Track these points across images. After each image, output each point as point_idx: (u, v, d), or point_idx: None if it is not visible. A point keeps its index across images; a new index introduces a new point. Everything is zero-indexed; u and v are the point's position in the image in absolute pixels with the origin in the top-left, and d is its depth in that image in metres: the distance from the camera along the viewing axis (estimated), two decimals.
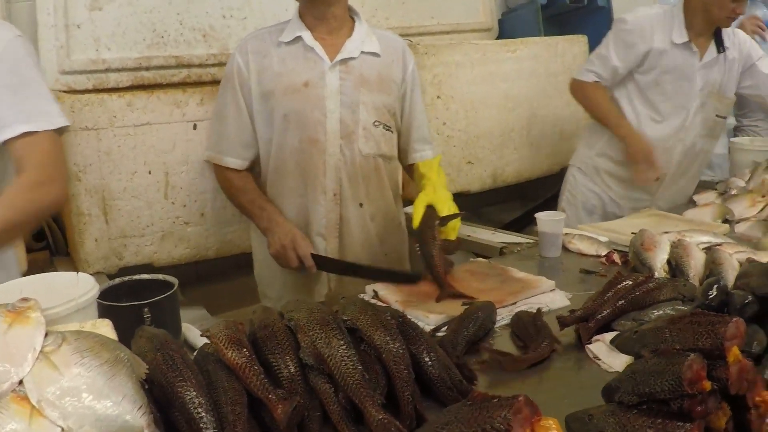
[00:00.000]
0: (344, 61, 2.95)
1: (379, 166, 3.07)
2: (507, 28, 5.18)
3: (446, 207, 2.82)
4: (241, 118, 2.97)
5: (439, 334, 2.20)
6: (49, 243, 3.47)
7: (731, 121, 5.28)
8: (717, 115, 3.95)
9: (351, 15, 3.06)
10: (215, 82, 3.65)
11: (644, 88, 3.94)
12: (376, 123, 3.01)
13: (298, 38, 2.94)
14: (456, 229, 2.83)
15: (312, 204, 3.00)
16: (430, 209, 2.81)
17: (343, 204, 3.02)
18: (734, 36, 3.93)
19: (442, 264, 2.64)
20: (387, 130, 3.05)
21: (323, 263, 2.95)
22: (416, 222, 2.78)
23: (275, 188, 3.02)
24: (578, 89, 4.03)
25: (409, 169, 3.22)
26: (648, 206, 3.90)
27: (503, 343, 2.18)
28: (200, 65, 3.78)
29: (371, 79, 2.99)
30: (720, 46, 3.85)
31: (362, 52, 2.99)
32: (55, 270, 3.27)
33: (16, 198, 2.21)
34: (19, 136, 2.25)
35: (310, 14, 2.96)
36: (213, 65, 3.77)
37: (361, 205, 3.06)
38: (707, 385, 1.52)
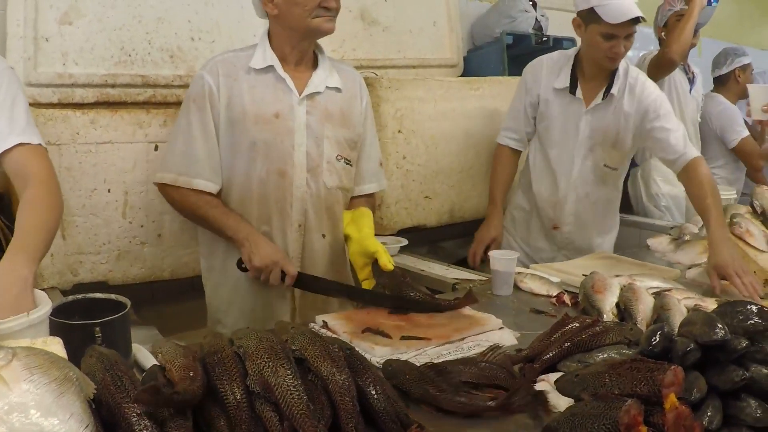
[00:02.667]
0: (311, 95, 3.00)
1: (340, 199, 3.14)
2: (472, 66, 5.23)
3: (384, 257, 2.92)
4: (209, 140, 2.96)
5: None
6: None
7: None
8: (605, 165, 3.93)
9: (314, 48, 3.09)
10: (179, 103, 3.66)
11: (540, 136, 4.00)
12: (339, 157, 3.06)
13: (270, 68, 2.97)
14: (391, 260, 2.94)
15: (277, 234, 3.04)
16: (375, 264, 2.92)
17: (307, 235, 3.07)
18: (640, 89, 3.81)
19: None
20: (347, 164, 3.11)
21: (306, 281, 3.00)
22: (362, 275, 2.97)
23: None
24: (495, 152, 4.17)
25: (352, 200, 3.27)
26: (552, 258, 3.94)
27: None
28: (166, 86, 3.78)
29: (335, 114, 3.04)
30: (606, 92, 3.80)
31: (327, 87, 3.03)
32: None
33: (43, 216, 2.29)
34: (16, 146, 2.36)
35: (292, 46, 2.98)
36: (178, 86, 3.77)
37: (324, 236, 3.12)
38: (643, 430, 1.56)
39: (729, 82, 6.00)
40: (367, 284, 2.96)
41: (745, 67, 5.98)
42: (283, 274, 2.91)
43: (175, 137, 3.03)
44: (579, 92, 3.83)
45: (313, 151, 3.02)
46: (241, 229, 2.95)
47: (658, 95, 3.83)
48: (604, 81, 3.81)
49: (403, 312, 2.70)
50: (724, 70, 6.00)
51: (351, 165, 3.16)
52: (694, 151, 3.66)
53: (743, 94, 5.86)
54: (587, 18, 3.66)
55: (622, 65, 3.82)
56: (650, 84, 3.87)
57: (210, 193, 2.99)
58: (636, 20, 3.56)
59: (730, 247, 3.19)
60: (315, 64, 3.07)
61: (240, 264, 2.97)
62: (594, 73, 3.81)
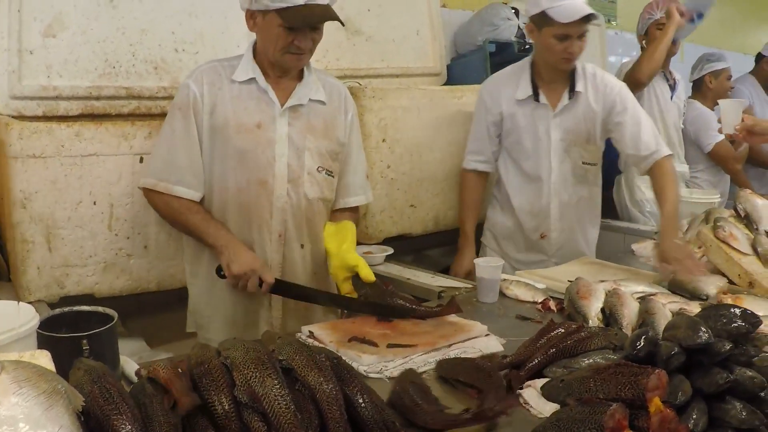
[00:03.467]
0: (294, 107, 3.02)
1: (321, 209, 3.16)
2: (456, 74, 5.24)
3: (365, 269, 2.95)
4: (192, 148, 2.99)
5: None
6: None
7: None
8: (584, 162, 3.97)
9: None
10: (164, 115, 3.66)
11: (510, 152, 4.00)
12: (320, 168, 3.08)
13: (252, 80, 3.00)
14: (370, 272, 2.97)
15: (257, 243, 3.06)
16: (356, 277, 2.96)
17: (287, 245, 3.10)
18: (602, 84, 3.86)
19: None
20: (329, 175, 3.13)
21: (283, 287, 3.02)
22: (344, 289, 3.00)
23: None
24: (461, 179, 4.17)
25: (335, 213, 3.30)
26: (544, 267, 3.89)
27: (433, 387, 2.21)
28: (150, 97, 3.78)
29: (317, 127, 3.06)
30: (571, 93, 3.83)
31: (310, 100, 3.05)
32: None
33: None
34: None
35: (268, 61, 3.01)
36: (163, 98, 3.77)
37: (302, 246, 3.14)
38: None
39: (702, 87, 6.05)
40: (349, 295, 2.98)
41: (718, 73, 6.01)
42: (261, 281, 2.92)
43: (159, 144, 3.07)
44: (543, 98, 3.84)
45: (294, 162, 3.04)
46: (220, 237, 2.97)
47: (621, 87, 3.90)
48: (565, 82, 3.85)
49: (388, 320, 2.72)
50: (696, 76, 6.07)
51: (333, 176, 3.18)
52: (664, 149, 3.75)
53: (715, 98, 5.93)
54: (540, 22, 3.67)
55: (578, 64, 3.84)
56: (610, 78, 3.94)
57: (191, 200, 3.01)
58: (587, 18, 3.58)
59: (673, 237, 3.39)
60: (300, 76, 3.09)
61: (219, 271, 2.98)
62: (552, 76, 3.84)
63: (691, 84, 6.11)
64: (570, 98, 3.82)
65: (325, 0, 2.87)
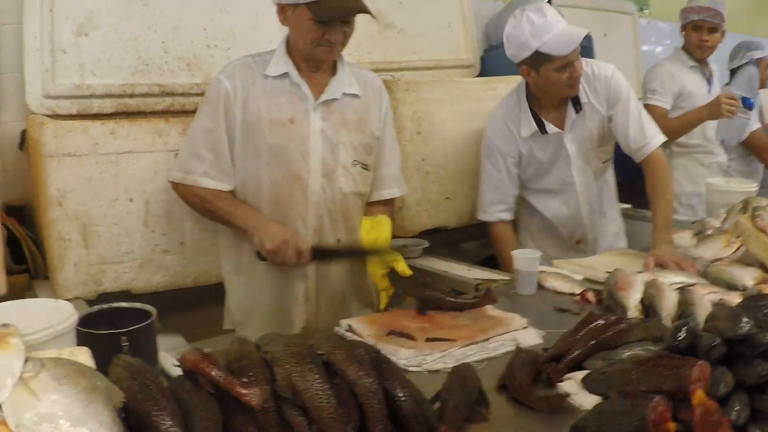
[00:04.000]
0: (327, 101, 3.01)
1: (356, 204, 3.15)
2: (488, 66, 5.22)
3: (401, 264, 2.99)
4: (219, 142, 2.99)
5: None
6: (28, 266, 3.47)
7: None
8: (603, 162, 3.92)
9: None
10: None
11: (530, 179, 3.92)
12: (355, 162, 3.07)
13: (285, 74, 2.99)
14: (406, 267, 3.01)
15: None
16: (393, 272, 2.99)
17: (322, 240, 3.07)
18: (597, 81, 3.74)
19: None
20: (364, 168, 3.12)
21: (320, 253, 3.02)
22: (381, 285, 3.05)
23: None
24: (489, 231, 4.00)
25: (370, 206, 3.27)
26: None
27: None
28: (183, 94, 3.80)
29: (351, 120, 3.05)
30: (576, 106, 3.72)
31: (344, 94, 3.04)
32: (35, 293, 3.29)
33: None
34: None
35: (300, 54, 3.00)
36: (196, 94, 3.78)
37: (338, 240, 3.12)
38: (671, 426, 1.56)
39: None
40: (385, 295, 2.98)
41: (759, 61, 5.93)
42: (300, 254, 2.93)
43: (187, 138, 3.09)
44: (549, 126, 3.74)
45: (328, 156, 3.03)
46: (250, 218, 2.98)
47: (611, 77, 3.74)
48: (564, 102, 3.75)
49: (426, 313, 2.71)
50: (736, 64, 5.94)
51: (368, 170, 3.17)
52: (656, 140, 3.66)
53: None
54: (535, 62, 3.55)
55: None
56: (603, 70, 3.77)
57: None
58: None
59: (667, 243, 3.42)
60: (334, 70, 3.08)
61: (258, 255, 2.98)
62: (555, 102, 3.73)
63: (729, 72, 6.01)
64: (577, 112, 3.73)
65: None
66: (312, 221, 3.05)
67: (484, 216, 3.94)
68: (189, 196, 3.05)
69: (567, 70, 3.51)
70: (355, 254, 3.11)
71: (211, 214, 3.07)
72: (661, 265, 3.24)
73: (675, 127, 4.66)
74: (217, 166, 3.00)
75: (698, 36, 5.08)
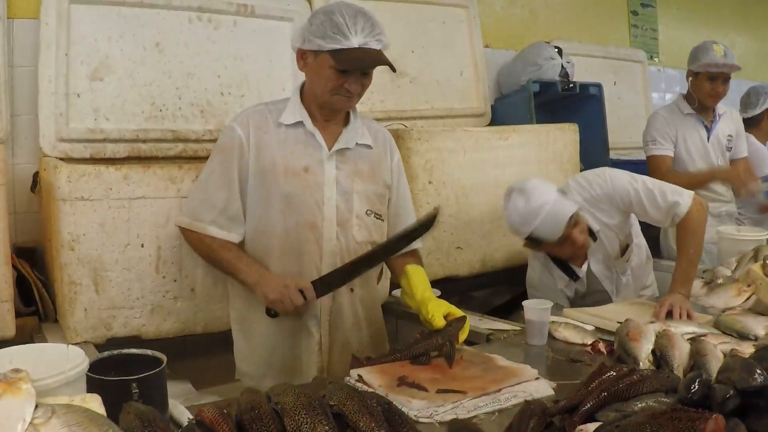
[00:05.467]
0: (341, 151, 3.01)
1: None
2: (500, 114, 5.26)
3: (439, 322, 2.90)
4: (231, 190, 2.97)
5: None
6: (38, 309, 3.47)
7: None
8: (621, 253, 3.92)
9: None
10: None
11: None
12: (368, 212, 3.07)
13: (299, 123, 2.99)
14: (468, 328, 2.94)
15: None
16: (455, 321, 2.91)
17: (337, 289, 3.05)
18: (603, 204, 3.78)
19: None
20: (378, 218, 3.11)
21: (324, 284, 2.98)
22: (438, 324, 2.89)
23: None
24: None
25: (396, 261, 3.21)
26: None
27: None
28: (196, 140, 3.82)
29: (364, 170, 3.05)
30: (592, 236, 3.75)
31: (357, 144, 3.05)
32: (44, 336, 3.30)
33: None
34: None
35: (316, 103, 3.00)
36: (209, 141, 3.81)
37: (352, 290, 3.11)
38: None
39: (761, 123, 5.94)
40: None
41: None
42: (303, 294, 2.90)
43: (197, 183, 3.08)
44: (578, 271, 3.87)
45: (343, 205, 3.02)
46: (251, 273, 2.95)
47: (609, 181, 3.76)
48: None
49: (437, 364, 2.69)
50: (757, 111, 5.94)
51: (382, 220, 3.16)
52: (684, 200, 3.63)
53: None
54: (535, 243, 3.69)
55: None
56: (598, 186, 3.77)
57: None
58: None
59: (682, 297, 3.39)
60: (347, 121, 3.09)
61: (268, 312, 2.96)
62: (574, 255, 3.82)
63: (744, 119, 5.90)
64: (594, 241, 3.76)
65: (379, 45, 2.86)
66: (326, 270, 3.02)
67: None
68: (196, 242, 3.04)
69: (565, 244, 3.58)
70: (358, 270, 3.04)
71: (217, 263, 3.05)
72: (669, 312, 3.26)
73: (683, 185, 4.66)
74: (227, 215, 2.98)
75: (712, 86, 5.06)
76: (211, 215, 2.97)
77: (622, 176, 3.75)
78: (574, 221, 3.55)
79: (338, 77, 2.85)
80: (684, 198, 3.63)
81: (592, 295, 3.93)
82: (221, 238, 2.99)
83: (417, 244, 3.27)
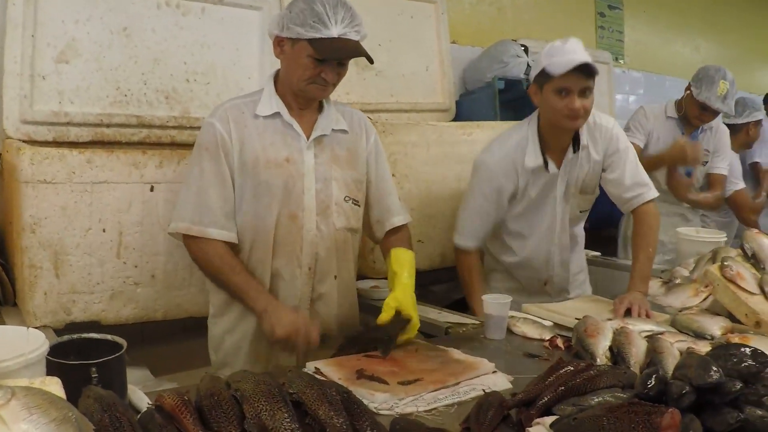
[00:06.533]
0: (318, 138, 3.03)
1: (348, 239, 3.15)
2: (464, 110, 5.27)
3: (414, 314, 2.94)
4: (225, 188, 2.96)
5: None
6: None
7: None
8: (581, 211, 3.95)
9: None
10: (174, 144, 3.67)
11: (515, 214, 3.88)
12: (347, 198, 3.09)
13: (276, 114, 3.00)
14: (414, 330, 2.95)
15: (287, 277, 3.04)
16: (398, 314, 2.91)
17: (317, 278, 3.08)
18: (599, 131, 3.77)
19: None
20: (355, 204, 3.13)
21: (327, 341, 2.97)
22: (382, 319, 2.89)
23: (247, 261, 3.03)
24: (457, 257, 3.98)
25: (384, 243, 3.27)
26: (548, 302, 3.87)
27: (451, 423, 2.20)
28: (161, 126, 3.79)
29: (341, 156, 3.07)
30: (576, 146, 3.72)
31: (333, 130, 3.06)
32: (2, 320, 3.27)
33: None
34: None
35: (291, 92, 3.01)
36: (173, 127, 3.79)
37: (335, 277, 3.13)
38: None
39: (739, 133, 5.98)
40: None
41: (758, 123, 6.00)
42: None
43: (188, 186, 3.01)
44: (551, 165, 3.72)
45: (322, 193, 3.04)
46: (260, 300, 2.93)
47: (612, 128, 3.79)
48: (569, 141, 3.73)
49: (394, 357, 2.72)
50: (739, 121, 5.97)
51: (359, 205, 3.17)
52: (649, 194, 3.72)
53: (747, 145, 5.92)
54: (540, 80, 3.57)
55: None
56: (603, 120, 3.80)
57: (229, 247, 2.99)
58: (583, 69, 3.45)
59: (640, 290, 3.50)
60: (320, 108, 3.09)
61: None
62: (559, 139, 3.71)
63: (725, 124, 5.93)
64: (574, 152, 3.72)
65: (357, 36, 2.88)
66: (306, 259, 3.04)
67: (461, 240, 3.88)
68: (202, 261, 3.01)
69: (565, 97, 3.48)
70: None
71: (222, 285, 3.03)
72: (628, 310, 3.30)
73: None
74: (225, 214, 2.97)
75: (702, 115, 5.12)
76: (209, 217, 2.95)
77: (624, 134, 3.87)
78: (583, 88, 3.52)
79: (315, 66, 2.87)
80: (653, 191, 3.75)
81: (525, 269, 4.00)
82: (226, 253, 2.97)
83: (405, 220, 3.33)
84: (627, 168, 3.72)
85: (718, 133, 5.41)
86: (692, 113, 5.15)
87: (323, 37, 2.81)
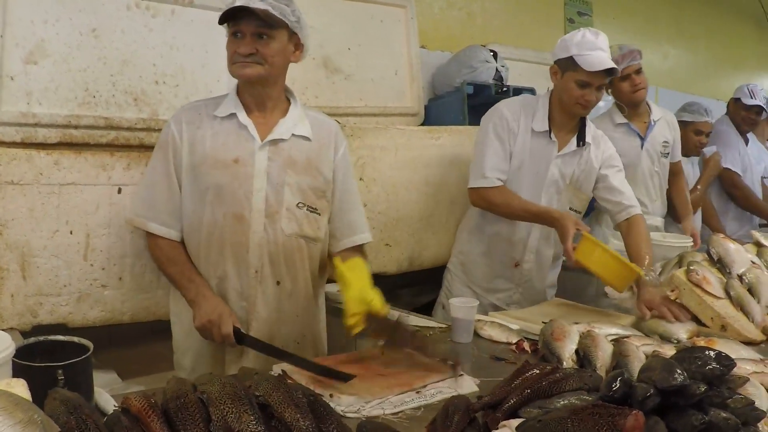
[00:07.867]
0: (274, 141, 3.02)
1: (302, 247, 3.12)
2: (433, 114, 5.28)
3: (380, 305, 2.89)
4: (171, 187, 3.00)
5: None
6: None
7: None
8: (571, 208, 4.01)
9: (287, 96, 3.12)
10: (142, 147, 3.65)
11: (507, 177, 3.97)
12: (300, 204, 3.06)
13: (233, 115, 3.00)
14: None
15: (234, 279, 3.03)
16: (371, 315, 2.86)
17: (262, 281, 3.05)
18: (603, 143, 4.04)
19: None
20: (311, 212, 3.10)
21: (246, 340, 2.94)
22: (352, 321, 2.83)
23: (196, 261, 3.05)
24: (482, 198, 3.99)
25: (344, 252, 3.23)
26: (510, 296, 4.09)
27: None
28: (129, 128, 3.77)
29: (299, 162, 3.05)
30: (581, 141, 3.93)
31: (293, 135, 3.05)
32: None
33: None
34: None
35: (247, 93, 3.02)
36: (141, 129, 3.76)
37: (278, 282, 3.10)
38: None
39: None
40: (355, 329, 2.88)
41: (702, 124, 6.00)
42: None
43: (142, 180, 3.12)
44: (554, 136, 3.91)
45: (272, 197, 3.02)
46: (191, 289, 2.98)
47: (614, 150, 4.08)
48: (573, 129, 3.94)
49: (360, 360, 2.72)
50: (688, 119, 5.92)
51: (318, 213, 3.14)
52: (638, 209, 3.92)
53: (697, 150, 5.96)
54: (565, 66, 3.78)
55: (587, 119, 3.97)
56: (607, 139, 4.09)
57: (172, 241, 3.04)
58: (610, 72, 3.72)
59: (657, 289, 3.49)
60: (286, 112, 3.09)
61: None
62: (563, 120, 3.92)
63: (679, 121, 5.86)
64: (578, 145, 3.92)
65: (264, 5, 2.83)
66: (253, 261, 3.03)
67: (484, 182, 3.93)
68: (152, 246, 3.09)
69: (584, 89, 3.74)
70: (279, 355, 2.84)
71: (167, 277, 3.10)
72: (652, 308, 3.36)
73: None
74: (167, 212, 3.02)
75: (629, 84, 5.09)
76: (152, 212, 3.02)
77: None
78: (602, 86, 3.83)
79: (232, 43, 2.92)
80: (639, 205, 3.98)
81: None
82: (168, 240, 3.03)
83: (365, 239, 3.33)
84: (622, 182, 3.99)
85: (668, 120, 5.45)
86: (627, 91, 5.15)
87: (230, 6, 2.86)
